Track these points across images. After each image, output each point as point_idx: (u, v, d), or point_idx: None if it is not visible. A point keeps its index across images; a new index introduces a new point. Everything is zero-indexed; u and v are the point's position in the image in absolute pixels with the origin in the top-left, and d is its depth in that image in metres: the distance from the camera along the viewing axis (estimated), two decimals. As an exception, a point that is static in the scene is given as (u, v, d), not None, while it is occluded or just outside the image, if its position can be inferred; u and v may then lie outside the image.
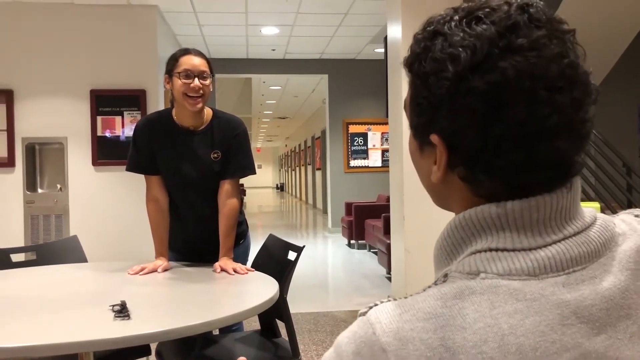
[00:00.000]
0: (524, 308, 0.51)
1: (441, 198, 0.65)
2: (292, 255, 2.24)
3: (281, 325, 2.19)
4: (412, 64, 0.61)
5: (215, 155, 2.21)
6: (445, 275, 0.57)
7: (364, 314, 0.56)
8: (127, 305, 1.57)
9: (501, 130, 0.54)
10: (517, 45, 0.53)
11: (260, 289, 1.87)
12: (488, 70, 0.53)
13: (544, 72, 0.53)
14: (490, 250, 0.55)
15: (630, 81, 7.37)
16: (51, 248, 2.60)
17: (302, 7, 6.47)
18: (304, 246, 2.14)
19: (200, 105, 2.12)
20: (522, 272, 0.53)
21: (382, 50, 8.48)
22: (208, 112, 2.24)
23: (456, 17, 0.58)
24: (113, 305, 1.57)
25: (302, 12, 6.64)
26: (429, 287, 0.57)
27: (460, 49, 0.55)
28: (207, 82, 2.13)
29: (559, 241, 0.55)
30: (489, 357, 0.49)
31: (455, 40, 0.56)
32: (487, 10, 0.56)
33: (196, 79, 2.09)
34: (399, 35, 4.20)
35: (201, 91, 2.10)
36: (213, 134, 2.22)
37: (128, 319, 1.48)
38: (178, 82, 2.10)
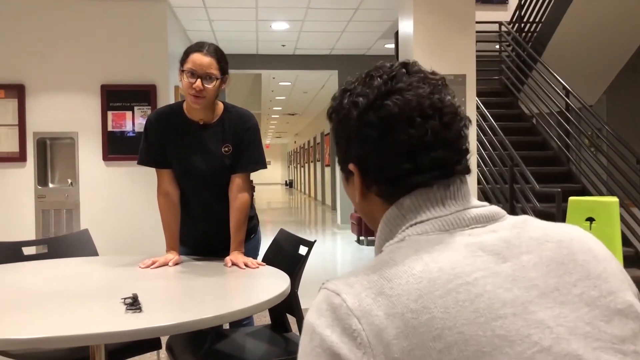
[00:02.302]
0: (441, 248, 0.67)
1: (369, 214, 0.82)
2: (303, 250, 2.23)
3: (291, 320, 2.18)
4: (331, 115, 0.83)
5: (226, 149, 2.20)
6: (381, 252, 0.73)
7: (318, 290, 0.70)
8: (139, 299, 1.56)
9: (391, 148, 0.74)
10: (397, 88, 0.75)
11: (272, 283, 1.86)
12: (378, 108, 0.75)
13: (418, 104, 0.74)
14: (411, 225, 0.73)
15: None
16: (62, 241, 2.61)
17: (313, 2, 6.44)
18: (315, 241, 2.13)
19: (198, 105, 2.10)
20: (435, 229, 0.71)
21: (393, 46, 8.45)
22: (219, 106, 2.22)
23: (359, 78, 0.80)
24: (125, 298, 1.56)
25: (312, 7, 6.61)
26: None
27: (360, 98, 0.77)
28: (211, 85, 2.08)
29: (459, 211, 0.73)
30: (417, 277, 0.64)
31: (356, 92, 0.78)
32: (378, 69, 0.79)
33: (199, 80, 2.06)
34: (411, 30, 4.17)
35: (202, 93, 2.07)
36: (224, 127, 2.20)
37: (140, 311, 1.48)
38: (184, 80, 2.09)
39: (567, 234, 0.73)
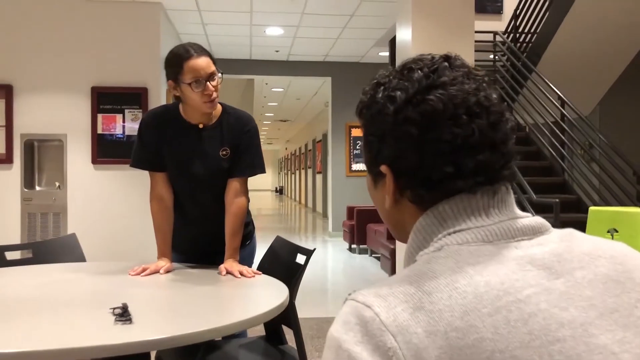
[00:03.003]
0: (485, 260, 0.61)
1: (397, 223, 0.75)
2: (300, 259, 2.15)
3: (286, 331, 2.09)
4: (362, 110, 0.75)
5: (224, 152, 2.11)
6: (414, 261, 0.66)
7: (344, 302, 0.63)
8: (129, 309, 1.47)
9: (432, 148, 0.66)
10: (440, 82, 0.68)
11: (269, 293, 1.77)
12: (418, 103, 0.67)
13: (463, 101, 0.66)
14: (449, 234, 0.66)
15: (638, 88, 7.29)
16: (48, 246, 2.50)
17: (308, 8, 6.39)
18: (314, 249, 2.05)
19: (216, 104, 2.05)
20: (477, 239, 0.64)
21: (387, 54, 8.43)
22: (217, 108, 2.14)
23: (394, 71, 0.73)
24: (114, 308, 1.47)
25: (307, 12, 6.56)
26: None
27: (397, 91, 0.69)
28: (216, 82, 2.02)
29: (504, 221, 0.66)
30: (462, 291, 0.57)
31: (392, 86, 0.70)
32: (417, 61, 0.72)
33: (208, 84, 1.98)
34: (409, 37, 4.12)
35: (214, 93, 2.01)
36: (222, 130, 2.12)
37: (130, 323, 1.39)
38: (191, 94, 1.98)
39: (619, 250, 0.67)
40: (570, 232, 0.69)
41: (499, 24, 8.23)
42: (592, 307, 0.59)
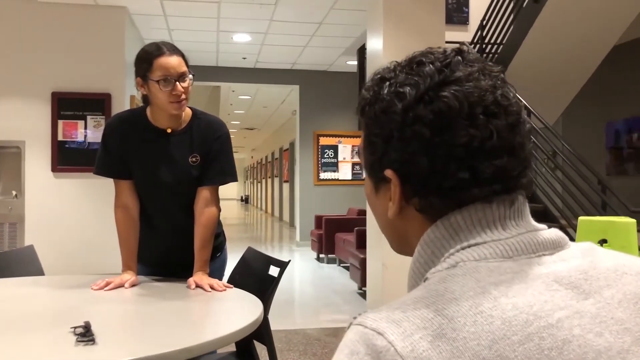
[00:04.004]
0: (508, 279, 0.54)
1: (399, 235, 0.68)
2: (273, 271, 2.07)
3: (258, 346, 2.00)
4: (364, 108, 0.67)
5: (194, 159, 2.01)
6: (425, 279, 0.59)
7: (348, 327, 0.56)
8: (92, 327, 1.36)
9: (446, 152, 0.59)
10: (454, 77, 0.61)
11: (242, 308, 1.68)
12: (431, 100, 0.60)
13: (480, 99, 0.60)
14: (463, 248, 0.59)
15: (599, 100, 7.46)
16: (4, 258, 2.35)
17: (276, 15, 6.33)
18: (289, 261, 1.97)
19: (185, 107, 1.94)
20: (497, 255, 0.57)
21: (355, 62, 8.42)
22: (187, 112, 2.04)
23: (401, 65, 0.66)
24: (75, 327, 1.36)
25: (276, 19, 6.50)
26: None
27: (406, 87, 0.62)
28: (187, 82, 1.93)
29: (522, 234, 0.60)
30: (487, 316, 0.50)
31: (400, 81, 0.63)
32: (427, 54, 0.65)
33: (177, 84, 1.88)
34: (380, 46, 4.09)
35: (183, 95, 1.91)
36: (192, 136, 2.02)
37: (93, 343, 1.28)
38: (158, 92, 1.88)
39: None
40: (590, 246, 0.64)
41: (466, 35, 8.33)
42: (627, 331, 0.54)
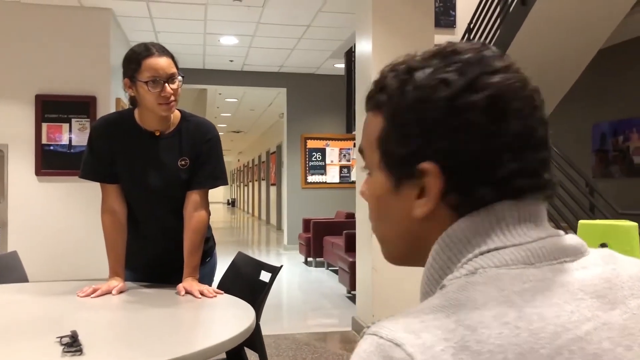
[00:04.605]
0: (532, 287, 0.51)
1: (413, 240, 0.63)
2: (264, 276, 2.03)
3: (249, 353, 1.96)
4: (390, 98, 0.61)
5: (183, 162, 1.97)
6: (442, 286, 0.56)
7: (361, 336, 0.52)
8: (79, 337, 1.32)
9: (501, 141, 0.56)
10: (496, 67, 0.58)
11: (234, 315, 1.64)
12: (482, 87, 0.57)
13: (523, 91, 0.58)
14: (482, 253, 0.56)
15: (585, 103, 7.52)
16: (-14, 266, 2.29)
17: (264, 17, 6.29)
18: (281, 266, 1.93)
19: (174, 108, 1.90)
20: (518, 261, 0.54)
21: (342, 65, 8.41)
22: (176, 115, 2.00)
23: (426, 55, 0.61)
24: (61, 337, 1.31)
25: (263, 22, 6.46)
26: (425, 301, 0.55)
27: (450, 74, 0.58)
28: (177, 84, 1.89)
29: (543, 238, 0.57)
30: (513, 326, 0.48)
31: (440, 68, 0.59)
32: (459, 46, 0.61)
33: (166, 85, 1.84)
34: (369, 48, 4.07)
35: (172, 97, 1.87)
36: (181, 138, 1.98)
37: (80, 354, 1.24)
38: (147, 93, 1.84)
39: None
40: (610, 252, 0.61)
41: (453, 38, 8.35)
42: None
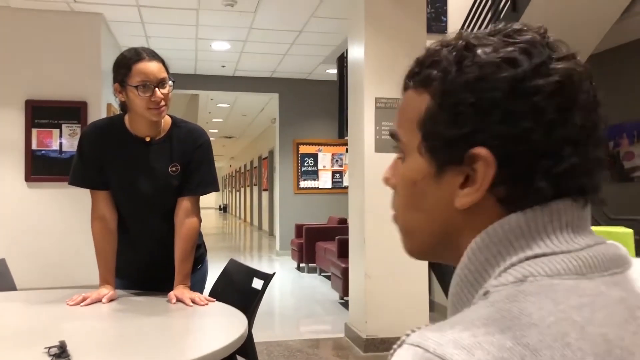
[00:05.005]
0: (589, 302, 0.47)
1: (446, 235, 0.58)
2: (257, 283, 2.01)
3: None
4: (447, 73, 0.55)
5: (174, 168, 1.95)
6: (486, 293, 0.50)
7: (399, 345, 0.47)
8: (67, 347, 1.29)
9: (565, 132, 0.52)
10: (564, 53, 0.54)
11: (226, 323, 1.62)
12: (548, 72, 0.52)
13: (588, 83, 0.54)
14: (528, 258, 0.51)
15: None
16: (-26, 274, 2.25)
17: (256, 23, 6.28)
18: (274, 273, 1.91)
19: (164, 113, 1.88)
20: (570, 271, 0.49)
21: (334, 71, 8.41)
22: (166, 120, 1.98)
23: (486, 33, 0.56)
24: (49, 348, 1.28)
25: (255, 27, 6.45)
26: (466, 309, 0.50)
27: (516, 53, 0.53)
28: (167, 89, 1.87)
29: (591, 246, 0.52)
30: (577, 348, 0.43)
31: (504, 46, 0.54)
32: (522, 25, 0.56)
33: (157, 90, 1.82)
34: (362, 54, 4.07)
35: (163, 101, 1.85)
36: (172, 144, 1.96)
37: (69, 364, 1.21)
38: (137, 97, 1.82)
39: None
40: None
41: (444, 44, 8.38)
42: None
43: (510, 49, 0.53)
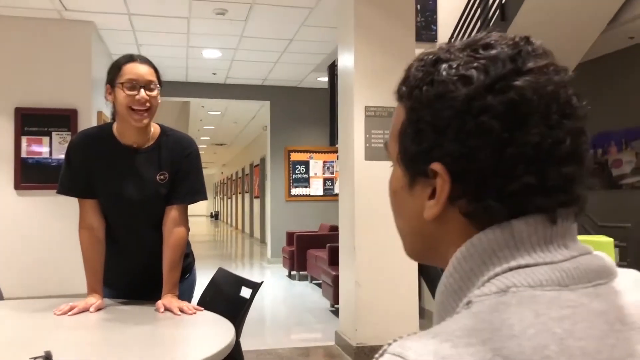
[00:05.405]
0: (570, 314, 0.47)
1: (428, 240, 0.60)
2: (245, 292, 2.01)
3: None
4: (412, 90, 0.58)
5: (162, 177, 1.96)
6: (469, 303, 0.50)
7: (381, 355, 0.47)
8: (53, 357, 1.29)
9: (516, 152, 0.51)
10: (527, 68, 0.53)
11: (214, 332, 1.62)
12: (503, 89, 0.52)
13: (555, 96, 0.53)
14: (511, 269, 0.51)
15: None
16: (-39, 283, 2.24)
17: (247, 31, 6.31)
18: (261, 282, 1.92)
19: (146, 120, 1.87)
20: (552, 282, 0.50)
21: (325, 79, 8.44)
22: (155, 129, 1.99)
23: (458, 46, 0.57)
24: (35, 358, 1.28)
25: (246, 35, 6.47)
26: (449, 318, 0.50)
27: (473, 70, 0.53)
28: (154, 93, 1.88)
29: (575, 257, 0.53)
30: None
31: (465, 63, 0.54)
32: (494, 38, 0.56)
33: (142, 90, 1.84)
34: (351, 63, 4.10)
35: (148, 104, 1.86)
36: (160, 153, 1.97)
37: (54, 374, 1.21)
38: (121, 94, 1.84)
39: None
40: (637, 275, 0.58)
41: (434, 52, 8.43)
42: None
43: (470, 65, 0.54)
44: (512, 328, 0.45)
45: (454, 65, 0.55)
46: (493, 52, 0.54)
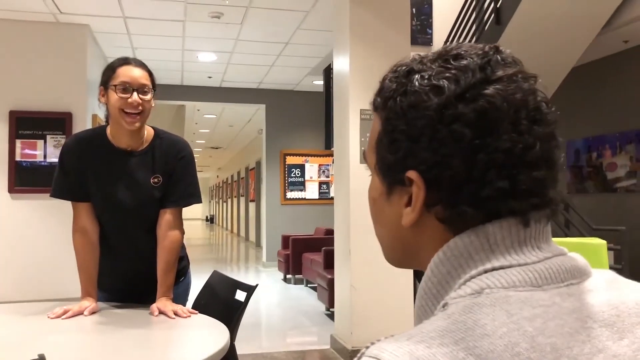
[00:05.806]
0: (542, 313, 0.49)
1: (407, 246, 0.62)
2: (240, 295, 2.01)
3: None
4: (386, 101, 0.60)
5: (156, 180, 1.95)
6: (445, 305, 0.52)
7: (359, 358, 0.48)
8: (47, 361, 1.28)
9: (487, 158, 0.53)
10: (497, 77, 0.55)
11: (208, 336, 1.62)
12: (473, 98, 0.54)
13: (524, 103, 0.55)
14: (486, 271, 0.53)
15: (560, 120, 7.65)
16: (-46, 287, 2.22)
17: (242, 34, 6.31)
18: (256, 285, 1.91)
19: (138, 123, 1.87)
20: (525, 283, 0.52)
21: (321, 82, 8.46)
22: (149, 132, 1.98)
23: (430, 58, 0.59)
24: (29, 361, 1.28)
25: (242, 39, 6.48)
26: (426, 320, 0.51)
27: (443, 81, 0.56)
28: (148, 97, 1.87)
29: (549, 258, 0.55)
30: (526, 358, 0.45)
31: (436, 74, 0.56)
32: (464, 49, 0.58)
33: (135, 93, 1.83)
34: (347, 66, 4.10)
35: (140, 107, 1.85)
36: (154, 156, 1.96)
37: (47, 378, 1.20)
38: (114, 96, 1.83)
39: None
40: (614, 277, 0.59)
41: (430, 56, 8.45)
42: None
43: (442, 75, 0.56)
44: (484, 328, 0.47)
45: (426, 76, 0.57)
46: (463, 62, 0.56)
